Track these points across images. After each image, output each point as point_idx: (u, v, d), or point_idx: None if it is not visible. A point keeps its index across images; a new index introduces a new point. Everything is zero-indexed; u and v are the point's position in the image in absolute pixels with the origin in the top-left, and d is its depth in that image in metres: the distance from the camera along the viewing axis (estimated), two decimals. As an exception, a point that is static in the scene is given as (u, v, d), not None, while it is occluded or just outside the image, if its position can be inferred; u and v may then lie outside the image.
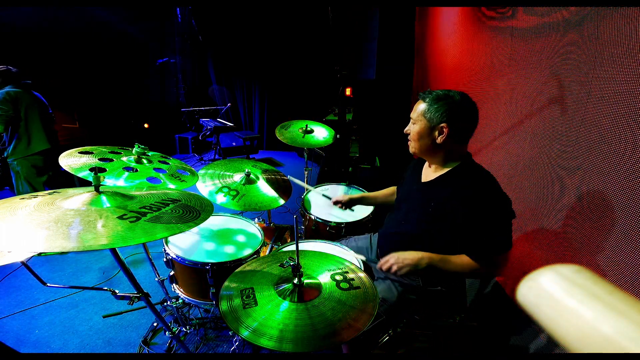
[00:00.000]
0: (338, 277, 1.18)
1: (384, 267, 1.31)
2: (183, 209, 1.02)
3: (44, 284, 1.32)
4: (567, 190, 1.37)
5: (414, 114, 1.37)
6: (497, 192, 1.29)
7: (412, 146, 1.41)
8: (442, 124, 1.28)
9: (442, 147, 1.33)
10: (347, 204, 1.89)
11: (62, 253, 2.86)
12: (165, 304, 1.96)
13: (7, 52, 3.88)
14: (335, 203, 1.91)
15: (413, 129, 1.37)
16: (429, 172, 1.45)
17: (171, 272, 1.72)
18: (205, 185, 1.86)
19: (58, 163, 1.34)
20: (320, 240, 1.76)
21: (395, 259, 1.29)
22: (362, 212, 2.11)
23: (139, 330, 2.12)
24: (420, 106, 1.34)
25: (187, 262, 1.57)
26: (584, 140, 1.29)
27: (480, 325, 1.81)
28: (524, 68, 1.72)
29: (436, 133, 1.31)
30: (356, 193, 2.41)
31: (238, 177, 1.96)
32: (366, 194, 1.98)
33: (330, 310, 1.03)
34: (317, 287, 1.13)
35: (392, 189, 1.89)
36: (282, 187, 2.03)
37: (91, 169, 1.01)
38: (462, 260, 1.30)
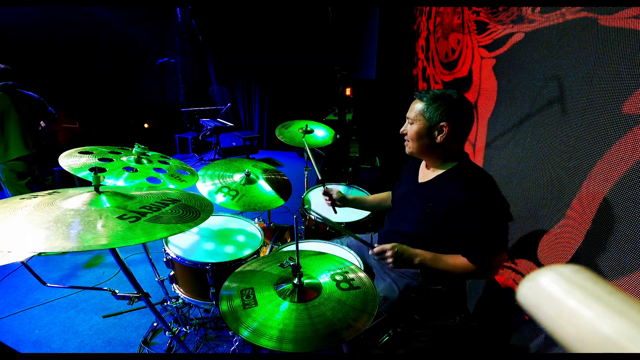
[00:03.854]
0: (338, 277, 1.18)
1: (378, 255, 1.28)
2: (183, 209, 1.02)
3: (44, 284, 1.32)
4: (567, 191, 1.37)
5: (410, 114, 1.36)
6: (495, 194, 1.29)
7: (410, 146, 1.39)
8: (442, 123, 1.28)
9: (441, 146, 1.32)
10: (335, 200, 1.77)
11: (62, 253, 2.86)
12: (165, 304, 1.96)
13: (7, 53, 3.88)
14: (325, 193, 1.79)
15: (411, 129, 1.36)
16: (426, 173, 1.45)
17: (171, 272, 1.72)
18: (205, 185, 1.86)
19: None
20: (320, 241, 1.76)
21: (394, 252, 1.26)
22: (362, 212, 2.10)
23: (139, 330, 2.12)
24: (418, 105, 1.33)
25: (187, 262, 1.58)
26: (584, 140, 1.29)
27: (480, 325, 1.81)
28: (524, 68, 1.72)
29: (436, 132, 1.31)
30: (356, 193, 2.42)
31: (238, 177, 1.96)
32: (358, 197, 1.87)
33: (331, 310, 1.03)
34: (317, 287, 1.13)
35: (386, 194, 1.85)
36: (282, 187, 2.03)
37: (91, 169, 1.01)
38: (455, 259, 1.30)
